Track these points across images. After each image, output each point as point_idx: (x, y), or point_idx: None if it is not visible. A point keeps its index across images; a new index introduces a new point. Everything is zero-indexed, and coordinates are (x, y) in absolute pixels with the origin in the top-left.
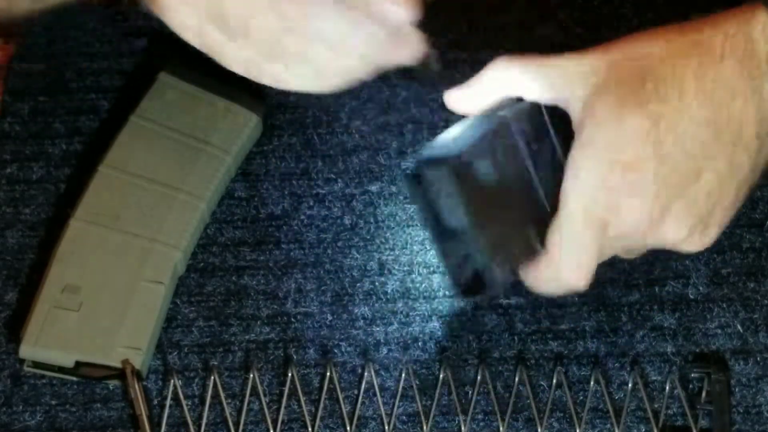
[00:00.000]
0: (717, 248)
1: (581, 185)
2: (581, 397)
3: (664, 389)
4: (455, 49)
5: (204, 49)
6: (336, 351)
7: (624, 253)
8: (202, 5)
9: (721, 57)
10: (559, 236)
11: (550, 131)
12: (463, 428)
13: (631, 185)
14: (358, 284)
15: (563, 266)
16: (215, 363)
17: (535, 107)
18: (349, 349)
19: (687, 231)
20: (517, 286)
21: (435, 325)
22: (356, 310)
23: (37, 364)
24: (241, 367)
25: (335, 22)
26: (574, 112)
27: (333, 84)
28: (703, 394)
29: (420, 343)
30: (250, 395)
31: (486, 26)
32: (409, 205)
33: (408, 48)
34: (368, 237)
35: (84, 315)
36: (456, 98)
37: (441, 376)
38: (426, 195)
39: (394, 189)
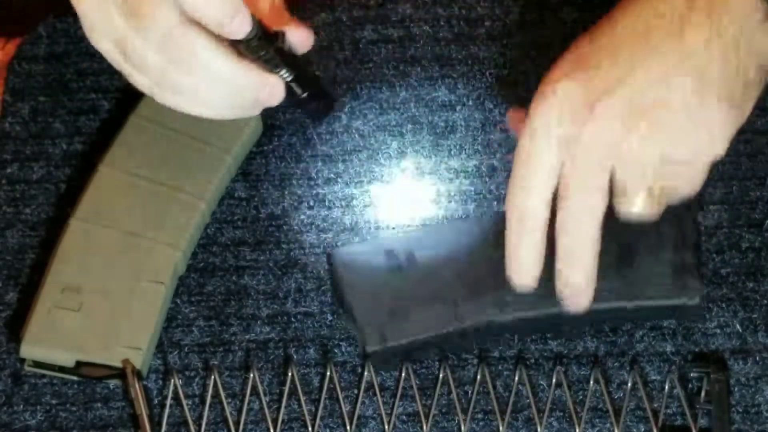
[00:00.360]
0: (716, 248)
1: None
2: (581, 397)
3: (664, 389)
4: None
5: (120, 70)
6: (336, 351)
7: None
8: (112, 37)
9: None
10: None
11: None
12: (462, 428)
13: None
14: None
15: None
16: (215, 362)
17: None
18: (349, 348)
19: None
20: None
21: None
22: None
23: (37, 364)
24: (241, 367)
25: (219, 61)
26: None
27: (226, 115)
28: (703, 393)
29: None
30: (251, 395)
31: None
32: (408, 205)
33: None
34: (368, 237)
35: (84, 315)
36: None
37: (440, 375)
38: (331, 272)
39: (393, 189)
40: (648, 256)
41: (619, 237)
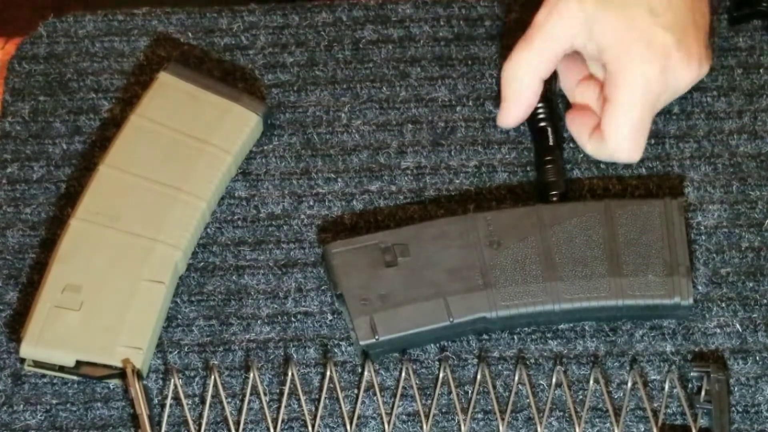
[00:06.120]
0: (716, 248)
1: (632, 78)
2: (581, 397)
3: (664, 388)
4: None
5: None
6: (336, 350)
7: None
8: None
9: None
10: (616, 125)
11: None
12: (462, 427)
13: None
14: None
15: (622, 148)
16: (215, 362)
17: None
18: (349, 348)
19: (706, 61)
20: None
21: None
22: None
23: (38, 364)
24: (241, 367)
25: None
26: (594, 44)
27: None
28: (702, 393)
29: None
30: (251, 394)
31: None
32: (408, 205)
33: None
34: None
35: (85, 314)
36: (505, 117)
37: (440, 375)
38: (326, 267)
39: (393, 188)
40: (640, 256)
41: (611, 238)
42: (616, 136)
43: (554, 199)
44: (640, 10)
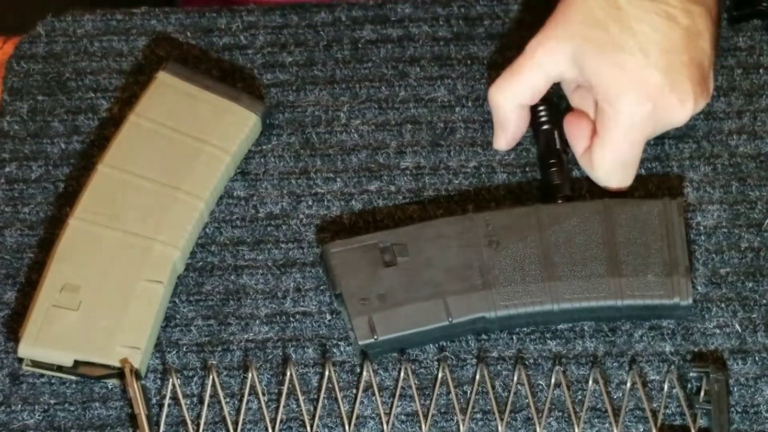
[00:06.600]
0: (715, 248)
1: (622, 118)
2: (580, 397)
3: (663, 389)
4: None
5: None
6: (335, 350)
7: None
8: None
9: None
10: (604, 159)
11: None
12: (461, 428)
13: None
14: None
15: (610, 179)
16: (214, 362)
17: None
18: (347, 348)
19: (703, 97)
20: None
21: None
22: None
23: (36, 363)
24: (239, 366)
25: None
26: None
27: None
28: (702, 393)
29: None
30: (249, 394)
31: None
32: (407, 205)
33: None
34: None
35: (83, 314)
36: (496, 142)
37: (439, 375)
38: (325, 266)
39: (392, 188)
40: (639, 256)
41: (611, 238)
42: (604, 168)
43: (561, 201)
44: (632, 51)
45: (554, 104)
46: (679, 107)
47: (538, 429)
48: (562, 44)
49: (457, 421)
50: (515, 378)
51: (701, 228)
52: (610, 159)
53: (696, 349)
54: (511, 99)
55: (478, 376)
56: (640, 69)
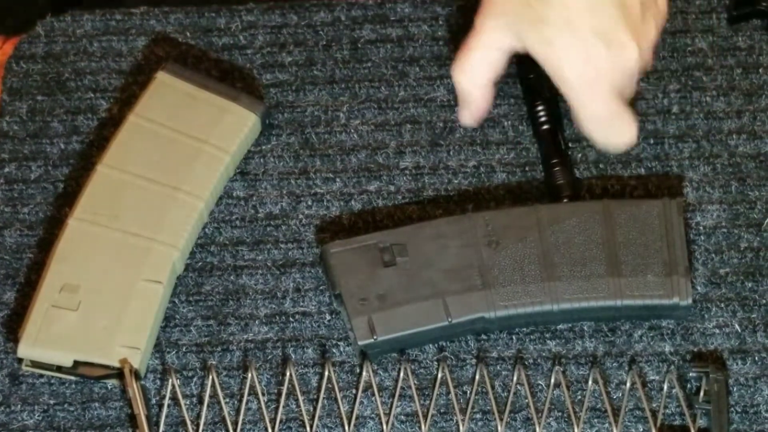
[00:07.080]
0: (715, 248)
1: (573, 83)
2: (579, 397)
3: (662, 389)
4: None
5: None
6: (334, 350)
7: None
8: None
9: None
10: (590, 128)
11: None
12: (461, 428)
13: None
14: None
15: (609, 143)
16: (213, 362)
17: None
18: (347, 348)
19: (648, 23)
20: None
21: None
22: None
23: (35, 364)
24: (239, 367)
25: None
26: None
27: None
28: (701, 393)
29: None
30: (249, 394)
31: None
32: (406, 205)
33: None
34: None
35: (82, 314)
36: (462, 117)
37: (439, 375)
38: (324, 267)
39: (392, 188)
40: (639, 256)
41: (610, 238)
42: (592, 129)
43: (566, 201)
44: (556, 22)
45: (554, 104)
46: (623, 55)
47: (537, 429)
48: (498, 21)
49: (457, 422)
50: (515, 378)
51: (701, 228)
52: (590, 119)
53: (695, 349)
54: (470, 75)
55: (477, 376)
56: (568, 37)
